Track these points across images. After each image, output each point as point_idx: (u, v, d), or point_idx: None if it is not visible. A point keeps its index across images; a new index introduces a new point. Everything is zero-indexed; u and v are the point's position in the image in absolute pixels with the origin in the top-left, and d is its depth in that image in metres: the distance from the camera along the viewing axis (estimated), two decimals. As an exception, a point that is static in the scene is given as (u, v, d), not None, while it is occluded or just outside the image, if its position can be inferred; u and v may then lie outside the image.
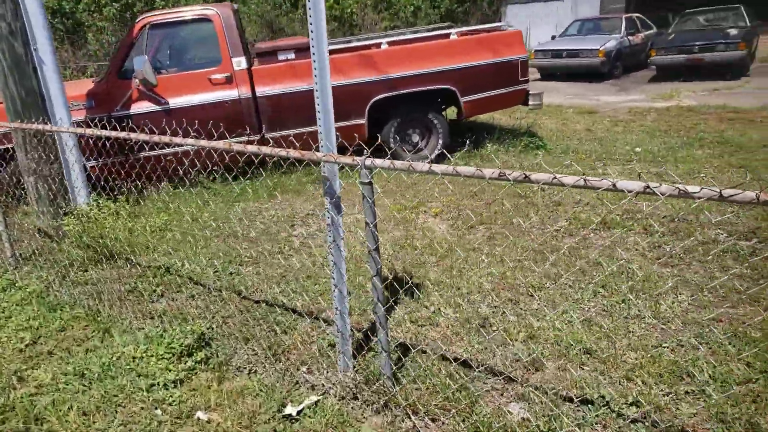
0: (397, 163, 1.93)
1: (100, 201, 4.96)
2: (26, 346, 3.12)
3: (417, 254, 3.90)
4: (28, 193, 4.78)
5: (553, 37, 15.54)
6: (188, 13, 5.72)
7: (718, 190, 1.37)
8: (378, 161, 1.98)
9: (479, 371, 2.51)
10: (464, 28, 6.67)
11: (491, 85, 6.16)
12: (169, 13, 5.70)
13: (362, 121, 6.06)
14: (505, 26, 6.43)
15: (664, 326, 2.74)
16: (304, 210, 5.14)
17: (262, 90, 5.77)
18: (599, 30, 14.30)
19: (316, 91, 2.28)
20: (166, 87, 5.59)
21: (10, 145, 5.23)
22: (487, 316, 2.98)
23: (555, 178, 1.60)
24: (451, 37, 6.27)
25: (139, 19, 5.64)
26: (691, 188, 1.42)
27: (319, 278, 3.63)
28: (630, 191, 1.51)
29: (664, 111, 8.38)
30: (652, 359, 2.49)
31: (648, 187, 1.47)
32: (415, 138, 6.38)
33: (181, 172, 5.48)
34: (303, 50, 5.97)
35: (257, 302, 3.40)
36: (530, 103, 6.40)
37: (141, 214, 4.98)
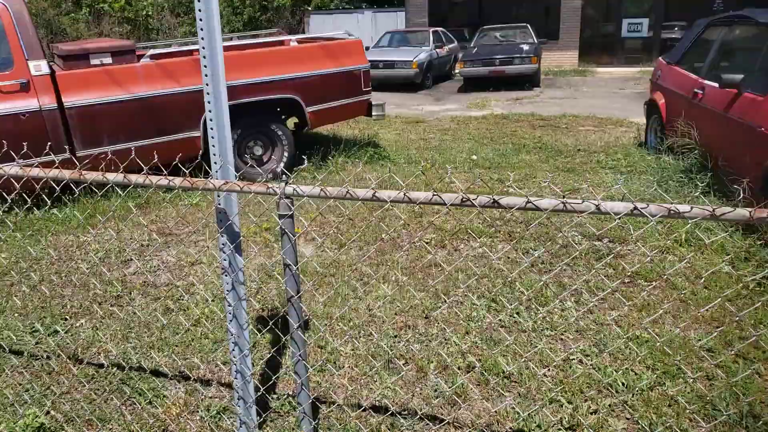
0: (330, 190, 1.59)
1: None
2: None
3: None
4: None
5: (366, 48, 15.96)
6: (-39, 3, 4.55)
7: (711, 209, 1.31)
8: (305, 188, 1.62)
9: (403, 416, 2.26)
10: (302, 36, 6.36)
11: (335, 94, 5.96)
12: (-66, 3, 4.47)
13: (197, 133, 5.42)
14: (345, 35, 6.28)
15: (563, 337, 2.77)
16: (136, 240, 4.39)
17: (71, 100, 4.82)
18: (409, 42, 15.02)
19: (209, 102, 1.83)
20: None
21: None
22: (390, 348, 2.74)
23: (529, 202, 1.42)
24: (291, 43, 5.93)
25: None
26: (682, 208, 1.34)
27: (178, 327, 3.05)
28: (617, 214, 1.39)
29: (482, 119, 9.00)
30: (566, 375, 2.48)
31: (636, 208, 1.36)
32: (258, 151, 5.90)
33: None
34: (122, 53, 5.15)
35: (102, 367, 2.72)
36: (374, 113, 6.34)
37: None
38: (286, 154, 5.97)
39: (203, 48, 1.78)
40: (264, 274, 3.68)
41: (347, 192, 1.58)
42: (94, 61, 5.00)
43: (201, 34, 1.76)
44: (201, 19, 1.75)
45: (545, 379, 2.46)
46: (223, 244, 1.88)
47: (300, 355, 1.82)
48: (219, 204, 1.85)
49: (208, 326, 3.02)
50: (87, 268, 3.91)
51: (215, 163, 1.85)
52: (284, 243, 1.72)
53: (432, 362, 2.61)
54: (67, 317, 3.23)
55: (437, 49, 14.74)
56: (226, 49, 5.69)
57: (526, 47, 12.69)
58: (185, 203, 5.18)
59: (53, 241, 4.38)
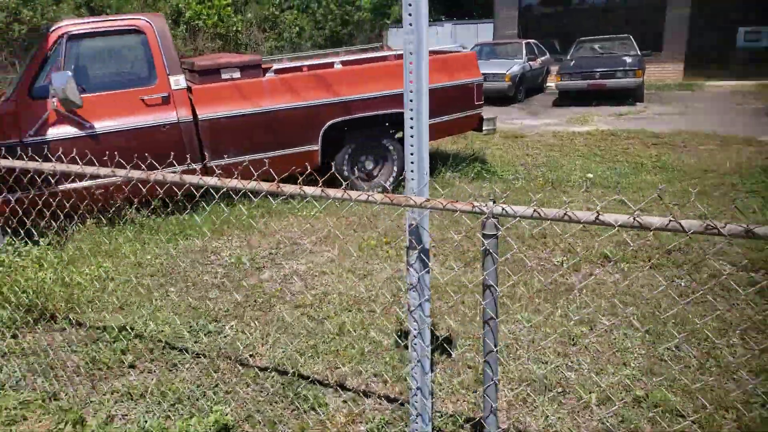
0: (546, 211, 1.56)
1: (17, 245, 4.03)
2: (-38, 457, 2.32)
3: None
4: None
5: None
6: (115, 22, 4.93)
7: None
8: (518, 209, 1.60)
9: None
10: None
11: (449, 108, 5.96)
12: (91, 22, 4.87)
13: (315, 147, 5.58)
14: (459, 48, 6.28)
15: (735, 377, 2.60)
16: (265, 249, 4.55)
17: (204, 113, 5.10)
18: (500, 55, 14.83)
19: (410, 118, 1.84)
20: (90, 109, 4.75)
21: None
22: (545, 375, 2.67)
23: (635, 218, 1.33)
24: (408, 59, 5.97)
25: (53, 29, 4.76)
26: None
27: (324, 337, 3.11)
28: (689, 230, 1.29)
29: (587, 135, 8.72)
30: (751, 419, 2.31)
31: (710, 226, 1.26)
32: (369, 165, 5.99)
33: (108, 207, 4.66)
34: (249, 68, 5.40)
35: (263, 370, 2.83)
36: (484, 128, 6.29)
37: (71, 260, 4.12)
38: (395, 168, 6.02)
39: (411, 61, 1.79)
40: (395, 287, 3.71)
41: (565, 214, 1.54)
42: (225, 76, 5.27)
43: (408, 39, 1.77)
44: (410, 24, 1.77)
45: (725, 421, 2.30)
46: (412, 261, 1.89)
47: (494, 379, 1.80)
48: (413, 221, 1.86)
49: (351, 336, 3.07)
50: (224, 273, 4.10)
51: (412, 179, 1.86)
52: (487, 264, 1.70)
53: (593, 392, 2.51)
54: (217, 319, 3.39)
55: (530, 62, 14.48)
56: (345, 63, 5.85)
57: (629, 59, 12.21)
58: (303, 215, 5.33)
59: (189, 246, 4.63)
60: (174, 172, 2.21)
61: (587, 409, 2.43)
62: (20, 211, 4.26)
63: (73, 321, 3.42)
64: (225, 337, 3.18)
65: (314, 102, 5.46)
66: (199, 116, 5.07)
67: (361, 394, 2.57)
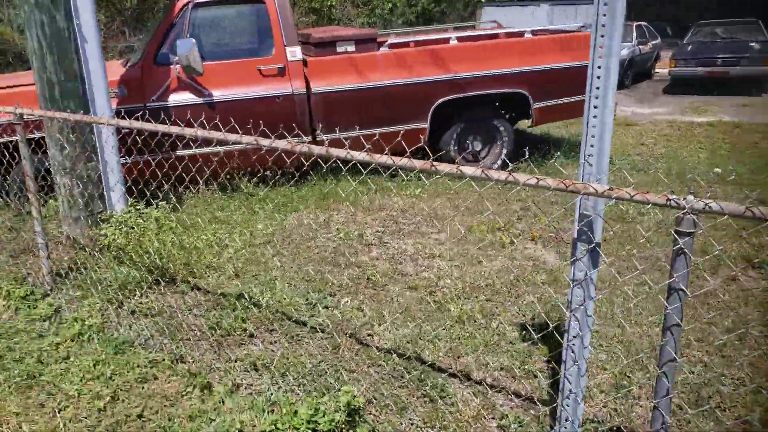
0: (761, 210, 1.35)
1: (139, 207, 4.20)
2: (105, 405, 2.41)
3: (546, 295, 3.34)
4: (59, 196, 3.98)
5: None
6: (238, -7, 4.99)
7: None
8: (726, 205, 1.39)
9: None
10: (536, 28, 6.09)
11: (565, 91, 5.63)
12: (216, -9, 4.95)
13: (424, 125, 5.45)
14: (580, 27, 5.90)
15: None
16: (371, 226, 4.49)
17: (318, 86, 5.08)
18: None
19: (595, 96, 1.66)
20: (209, 77, 4.85)
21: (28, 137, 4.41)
22: (697, 385, 2.43)
23: None
24: (526, 35, 5.69)
25: (181, -3, 4.88)
26: None
27: (443, 323, 3.01)
28: None
29: (708, 127, 8.03)
30: None
31: None
32: (477, 146, 5.79)
33: (220, 174, 4.77)
34: (364, 42, 5.32)
35: (381, 351, 2.77)
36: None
37: (189, 225, 4.25)
38: (504, 150, 5.79)
39: (603, 33, 1.61)
40: (510, 278, 3.54)
41: (745, 210, 1.32)
42: (340, 49, 5.22)
43: (601, 21, 1.59)
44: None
45: None
46: (581, 255, 1.73)
47: (669, 392, 1.61)
48: (587, 211, 1.69)
49: (473, 324, 2.95)
50: (333, 247, 4.08)
51: (590, 164, 1.69)
52: (679, 264, 1.51)
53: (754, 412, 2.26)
54: (332, 293, 3.37)
55: (640, 45, 13.55)
56: (461, 39, 5.64)
57: (757, 46, 11.13)
58: (407, 193, 5.23)
59: (297, 218, 4.66)
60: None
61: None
62: (146, 174, 4.45)
63: (192, 285, 3.51)
64: (341, 312, 3.15)
65: (427, 78, 5.31)
66: (312, 89, 5.06)
67: (488, 387, 2.45)
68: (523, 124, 6.74)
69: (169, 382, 2.60)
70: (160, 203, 4.33)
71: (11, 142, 4.43)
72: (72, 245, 3.98)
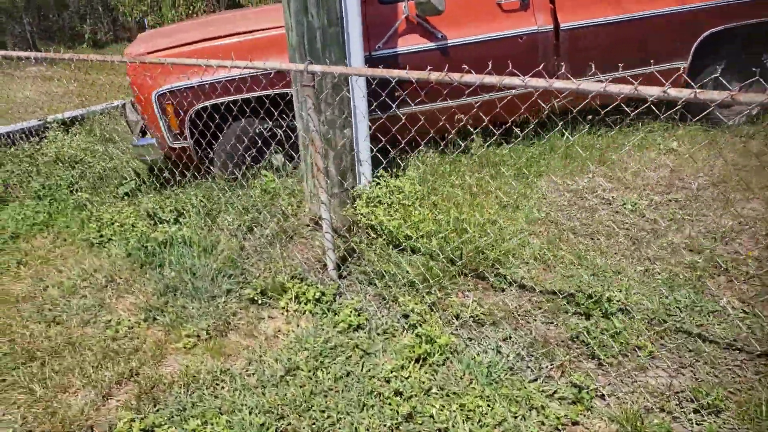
0: None
1: (385, 178, 3.53)
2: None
3: None
4: (305, 170, 3.35)
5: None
6: None
7: None
8: None
9: None
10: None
11: None
12: None
13: (684, 63, 4.45)
14: None
15: None
16: (648, 192, 3.65)
17: (567, 20, 4.16)
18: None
19: None
20: (440, 17, 4.02)
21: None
22: None
23: None
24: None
25: None
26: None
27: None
28: None
29: None
30: None
31: None
32: (734, 88, 4.73)
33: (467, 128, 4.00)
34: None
35: None
36: None
37: (449, 197, 3.54)
38: (768, 92, 4.71)
39: None
40: None
41: None
42: (590, -26, 4.23)
43: None
44: None
45: None
46: None
47: None
48: None
49: None
50: (630, 224, 3.28)
51: None
52: None
53: None
54: (696, 290, 2.59)
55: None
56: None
57: None
58: (661, 147, 4.31)
59: (549, 184, 3.87)
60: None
61: None
62: (382, 137, 3.74)
63: (508, 279, 2.82)
64: (730, 321, 2.38)
65: (694, 6, 4.27)
66: (561, 25, 4.14)
67: None
68: None
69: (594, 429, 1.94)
70: (403, 173, 3.67)
71: (221, 104, 3.81)
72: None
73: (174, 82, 3.78)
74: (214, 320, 2.70)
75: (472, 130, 4.23)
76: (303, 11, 2.95)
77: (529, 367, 2.25)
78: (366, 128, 3.40)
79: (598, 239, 3.24)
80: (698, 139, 4.40)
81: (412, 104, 4.02)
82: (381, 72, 2.31)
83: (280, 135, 4.01)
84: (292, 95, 3.59)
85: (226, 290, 2.90)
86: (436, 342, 2.35)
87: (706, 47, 4.45)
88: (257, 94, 3.78)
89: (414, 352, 2.32)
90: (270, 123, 3.96)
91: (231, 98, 3.81)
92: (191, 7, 14.05)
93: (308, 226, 3.44)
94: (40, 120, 5.35)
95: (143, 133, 4.23)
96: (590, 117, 4.43)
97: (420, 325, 2.48)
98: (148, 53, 3.82)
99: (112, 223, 3.53)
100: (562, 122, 4.43)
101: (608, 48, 4.26)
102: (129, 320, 2.76)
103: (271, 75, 3.74)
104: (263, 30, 3.85)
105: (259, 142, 3.98)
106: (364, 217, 3.25)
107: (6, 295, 3.06)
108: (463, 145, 4.11)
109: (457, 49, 4.07)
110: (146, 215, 3.52)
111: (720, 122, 4.72)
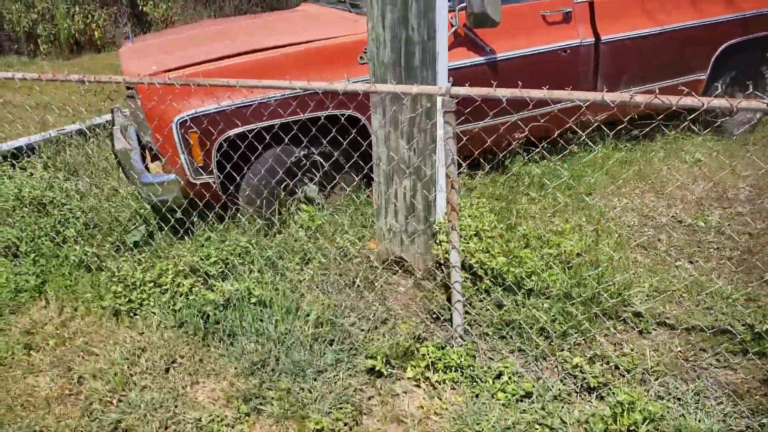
0: None
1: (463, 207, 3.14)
2: None
3: None
4: (382, 205, 2.88)
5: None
6: None
7: None
8: None
9: None
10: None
11: None
12: None
13: (703, 76, 4.47)
14: None
15: None
16: (691, 204, 3.59)
17: (608, 33, 4.01)
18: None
19: None
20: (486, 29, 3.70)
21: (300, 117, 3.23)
22: None
23: None
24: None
25: None
26: None
27: None
28: None
29: None
30: None
31: None
32: (739, 97, 4.86)
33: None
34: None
35: None
36: None
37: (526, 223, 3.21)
38: None
39: None
40: None
41: None
42: (625, -15, 4.12)
43: None
44: None
45: None
46: None
47: None
48: None
49: None
50: (706, 242, 3.16)
51: None
52: None
53: None
54: None
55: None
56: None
57: None
58: (690, 159, 4.30)
59: (604, 203, 3.70)
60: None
61: None
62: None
63: (655, 320, 2.55)
64: None
65: (715, 18, 4.30)
66: (602, 37, 3.98)
67: None
68: None
69: None
70: (477, 200, 3.32)
71: (250, 131, 3.22)
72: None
73: (199, 107, 3.14)
74: (337, 403, 2.17)
75: (517, 146, 3.96)
76: (402, 23, 2.50)
77: None
78: (445, 153, 2.99)
79: (696, 261, 3.08)
80: (714, 148, 4.44)
81: (484, 120, 3.67)
82: (537, 93, 1.95)
83: (321, 162, 3.49)
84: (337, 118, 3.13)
85: (334, 361, 2.37)
86: (635, 409, 2.01)
87: (722, 59, 4.51)
88: (301, 117, 3.24)
89: (618, 424, 1.96)
90: (314, 149, 3.43)
91: (268, 123, 3.24)
92: (89, 17, 12.71)
93: (383, 268, 2.97)
94: (-20, 154, 4.35)
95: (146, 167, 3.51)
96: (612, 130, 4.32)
97: (602, 386, 2.13)
98: (164, 72, 3.15)
99: (141, 284, 2.83)
100: (600, 136, 4.29)
101: (641, 61, 4.17)
102: (224, 415, 2.16)
103: (318, 96, 3.23)
104: (305, 43, 3.32)
105: (297, 171, 3.44)
106: (467, 254, 2.84)
107: (31, 397, 2.30)
108: (504, 161, 3.83)
109: (505, 63, 3.77)
110: (188, 270, 2.86)
111: (727, 131, 4.82)
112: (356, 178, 3.60)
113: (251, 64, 3.22)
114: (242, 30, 3.83)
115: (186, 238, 3.30)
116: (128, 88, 3.34)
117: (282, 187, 3.48)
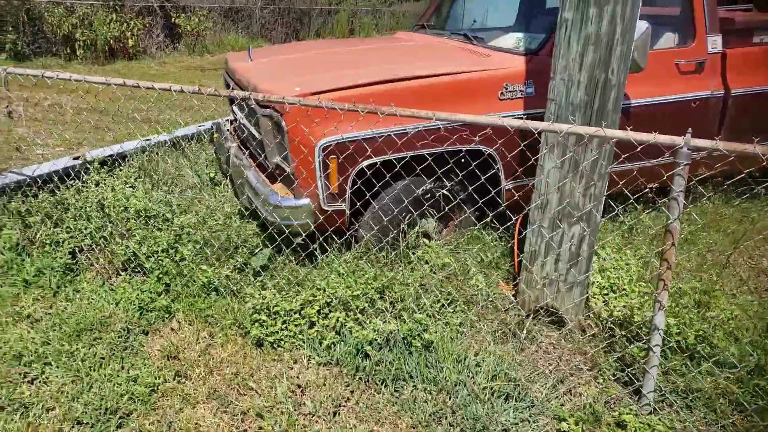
0: None
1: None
2: None
3: None
4: (541, 248, 2.74)
5: None
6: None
7: None
8: None
9: None
10: None
11: None
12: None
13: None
14: None
15: None
16: None
17: (738, 86, 3.92)
18: None
19: None
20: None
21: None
22: None
23: None
24: None
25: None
26: None
27: None
28: None
29: None
30: None
31: None
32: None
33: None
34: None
35: None
36: None
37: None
38: None
39: None
40: None
41: None
42: (755, 39, 4.05)
43: None
44: None
45: None
46: None
47: None
48: None
49: None
50: None
51: None
52: None
53: None
54: None
55: None
56: None
57: None
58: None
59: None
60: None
61: None
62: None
63: None
64: None
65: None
66: (732, 90, 3.89)
67: None
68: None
69: None
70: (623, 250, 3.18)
71: (386, 160, 3.10)
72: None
73: (346, 132, 3.02)
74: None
75: (649, 193, 3.84)
76: (603, 65, 2.39)
77: None
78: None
79: None
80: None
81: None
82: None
83: (447, 196, 3.36)
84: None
85: (518, 420, 2.20)
86: None
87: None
88: (439, 150, 3.12)
89: None
90: (448, 183, 3.30)
91: (413, 153, 3.11)
92: (125, 25, 12.74)
93: (531, 317, 2.81)
94: (75, 158, 4.20)
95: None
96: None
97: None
98: (311, 94, 3.03)
99: (285, 314, 2.66)
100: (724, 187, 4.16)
101: (756, 117, 4.08)
102: (415, 474, 1.97)
103: (464, 129, 3.12)
104: (456, 74, 3.21)
105: (424, 203, 3.31)
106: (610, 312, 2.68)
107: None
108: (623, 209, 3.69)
109: (639, 109, 3.67)
110: (337, 302, 2.70)
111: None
112: (471, 215, 3.47)
113: (407, 92, 3.11)
114: (397, 53, 3.77)
115: (308, 264, 3.15)
116: (263, 107, 3.22)
117: (405, 219, 3.34)
